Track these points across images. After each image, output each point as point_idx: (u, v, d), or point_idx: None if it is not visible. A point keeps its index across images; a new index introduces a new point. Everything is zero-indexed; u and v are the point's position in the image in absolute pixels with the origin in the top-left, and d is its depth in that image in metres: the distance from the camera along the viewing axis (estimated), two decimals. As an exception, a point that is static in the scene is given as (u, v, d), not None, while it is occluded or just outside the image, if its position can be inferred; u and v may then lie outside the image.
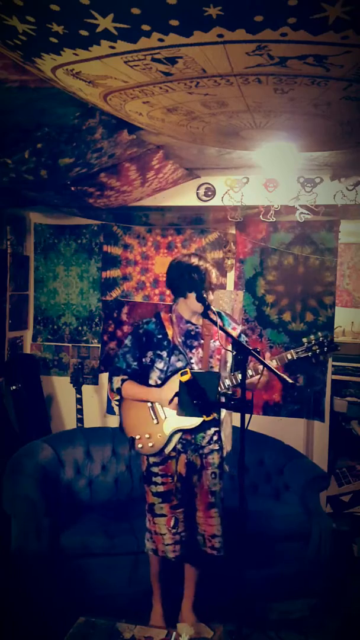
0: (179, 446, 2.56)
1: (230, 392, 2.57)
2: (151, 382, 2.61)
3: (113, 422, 4.22)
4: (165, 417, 2.55)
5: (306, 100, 2.03)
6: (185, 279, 2.51)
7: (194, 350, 2.58)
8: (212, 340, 2.60)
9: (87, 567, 2.89)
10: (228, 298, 4.13)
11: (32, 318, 4.66)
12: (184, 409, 2.37)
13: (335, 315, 3.98)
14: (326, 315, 3.95)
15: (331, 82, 1.81)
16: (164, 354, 2.56)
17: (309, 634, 2.80)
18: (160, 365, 2.57)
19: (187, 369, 2.40)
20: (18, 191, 3.34)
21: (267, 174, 3.90)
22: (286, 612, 2.96)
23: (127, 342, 2.66)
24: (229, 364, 2.63)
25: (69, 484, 3.29)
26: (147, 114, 2.31)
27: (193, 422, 2.49)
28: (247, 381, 2.32)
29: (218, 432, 2.63)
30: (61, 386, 4.55)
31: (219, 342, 2.60)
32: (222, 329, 2.39)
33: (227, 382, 2.52)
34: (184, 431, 2.54)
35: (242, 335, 2.66)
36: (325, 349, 2.49)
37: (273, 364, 2.46)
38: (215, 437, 2.62)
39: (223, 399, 2.56)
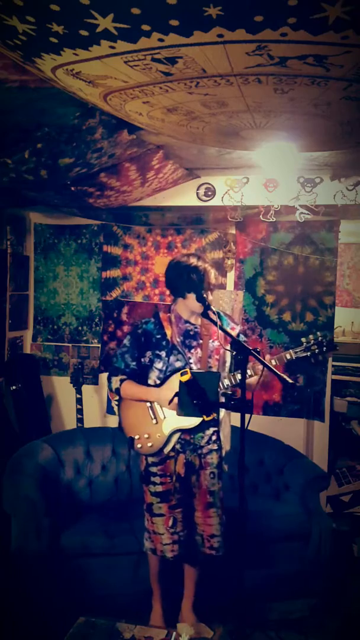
0: (177, 446, 2.56)
1: (230, 392, 2.57)
2: (150, 382, 2.60)
3: (113, 422, 4.22)
4: (165, 417, 2.55)
5: (306, 100, 2.03)
6: (184, 279, 2.51)
7: (192, 350, 2.58)
8: (210, 340, 2.60)
9: (87, 567, 2.89)
10: (228, 298, 4.13)
11: (32, 318, 4.66)
12: (184, 409, 2.37)
13: (335, 315, 3.98)
14: (326, 315, 3.95)
15: (331, 82, 1.81)
16: (163, 354, 2.56)
17: (309, 634, 2.80)
18: (159, 365, 2.57)
19: (187, 369, 2.40)
20: (18, 191, 3.34)
21: (267, 174, 3.90)
22: (286, 612, 2.96)
23: (125, 342, 2.65)
24: (227, 364, 2.63)
25: (69, 484, 3.29)
26: (147, 114, 2.31)
27: (192, 422, 2.49)
28: (246, 381, 2.32)
29: (217, 432, 2.63)
30: (61, 386, 4.55)
31: (219, 342, 2.60)
32: (222, 329, 2.39)
33: (226, 382, 2.52)
34: (183, 431, 2.54)
35: (241, 336, 2.67)
36: (324, 348, 2.49)
37: (272, 364, 2.46)
38: (214, 437, 2.62)
39: (223, 399, 2.56)
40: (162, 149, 3.24)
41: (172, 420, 2.52)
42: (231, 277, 4.14)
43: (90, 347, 4.51)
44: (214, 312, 2.43)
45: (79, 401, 4.09)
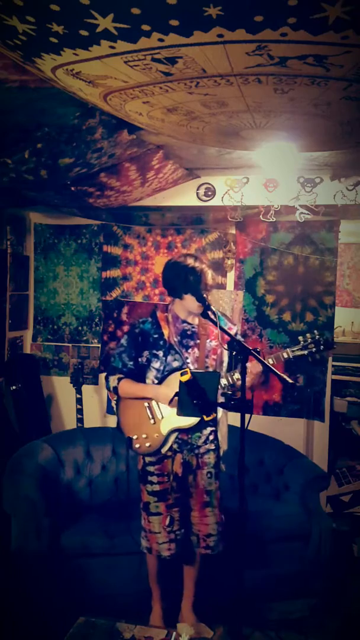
0: (175, 446, 2.56)
1: (229, 392, 2.57)
2: (148, 381, 2.61)
3: (113, 422, 4.21)
4: (162, 417, 2.55)
5: (306, 100, 2.03)
6: (181, 280, 2.50)
7: (189, 350, 2.58)
8: (208, 340, 2.60)
9: (87, 567, 2.89)
10: (228, 298, 4.13)
11: (32, 318, 4.66)
12: (184, 410, 2.37)
13: (335, 315, 3.98)
14: (326, 315, 3.95)
15: (331, 82, 1.81)
16: (160, 353, 2.57)
17: (309, 634, 2.80)
18: (156, 364, 2.57)
19: (187, 369, 2.40)
20: (18, 191, 3.34)
21: (267, 174, 3.90)
22: (286, 612, 2.96)
23: (123, 341, 2.66)
24: (224, 364, 2.63)
25: (69, 484, 3.29)
26: (147, 114, 2.31)
27: (190, 421, 2.49)
28: (239, 381, 2.33)
29: (214, 432, 2.63)
30: (61, 386, 4.55)
31: (218, 342, 2.60)
32: (222, 328, 2.40)
33: (223, 381, 2.52)
34: (181, 431, 2.54)
35: (238, 335, 2.67)
36: (322, 347, 2.49)
37: (269, 362, 2.46)
38: (211, 437, 2.62)
39: (222, 399, 2.56)
40: (162, 149, 3.24)
41: (170, 420, 2.52)
42: (231, 277, 4.14)
43: (90, 347, 4.51)
44: (213, 312, 2.43)
45: (79, 401, 4.09)
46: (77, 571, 2.87)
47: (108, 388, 2.65)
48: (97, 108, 2.36)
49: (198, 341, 2.59)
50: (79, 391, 4.09)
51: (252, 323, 4.09)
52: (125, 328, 4.35)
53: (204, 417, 2.43)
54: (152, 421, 2.55)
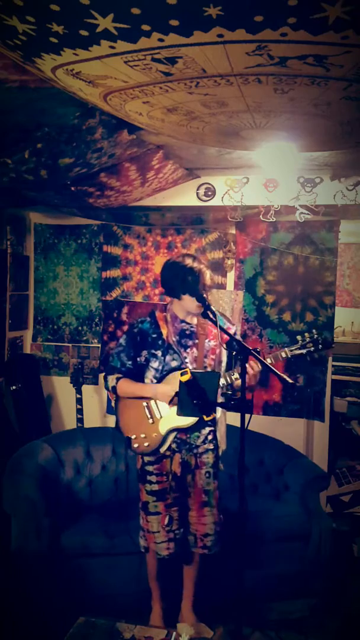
0: (173, 445, 2.56)
1: (229, 392, 2.57)
2: (146, 381, 2.61)
3: (113, 422, 4.20)
4: (161, 417, 2.55)
5: (306, 100, 2.03)
6: (179, 280, 2.50)
7: (188, 350, 2.58)
8: (206, 340, 2.60)
9: (87, 567, 2.89)
10: (228, 298, 4.13)
11: (32, 318, 4.66)
12: (184, 410, 2.37)
13: (335, 315, 3.98)
14: (326, 315, 3.95)
15: (331, 82, 1.81)
16: (159, 353, 2.57)
17: (309, 634, 2.79)
18: (155, 364, 2.57)
19: (187, 369, 2.40)
20: (18, 191, 3.34)
21: (267, 174, 3.90)
22: (286, 612, 2.96)
23: (121, 341, 2.66)
24: (223, 364, 2.63)
25: (69, 484, 3.29)
26: (147, 114, 2.31)
27: (188, 421, 2.49)
28: (236, 380, 2.33)
29: (213, 432, 2.63)
30: (61, 386, 4.55)
31: (217, 342, 2.60)
32: (222, 328, 2.40)
33: (222, 381, 2.52)
34: (179, 430, 2.54)
35: (237, 335, 2.67)
36: (320, 346, 2.49)
37: (267, 362, 2.46)
38: (210, 437, 2.62)
39: (222, 399, 2.56)
40: (162, 149, 3.24)
41: (169, 420, 2.53)
42: (231, 277, 4.14)
43: (90, 347, 4.51)
44: (212, 312, 2.43)
45: (79, 401, 4.09)
46: (77, 571, 2.87)
47: (107, 387, 2.66)
48: (97, 108, 2.36)
49: (197, 341, 2.59)
50: (79, 391, 4.09)
51: (252, 323, 4.09)
52: (125, 328, 4.35)
53: (204, 417, 2.43)
54: (150, 421, 2.55)
